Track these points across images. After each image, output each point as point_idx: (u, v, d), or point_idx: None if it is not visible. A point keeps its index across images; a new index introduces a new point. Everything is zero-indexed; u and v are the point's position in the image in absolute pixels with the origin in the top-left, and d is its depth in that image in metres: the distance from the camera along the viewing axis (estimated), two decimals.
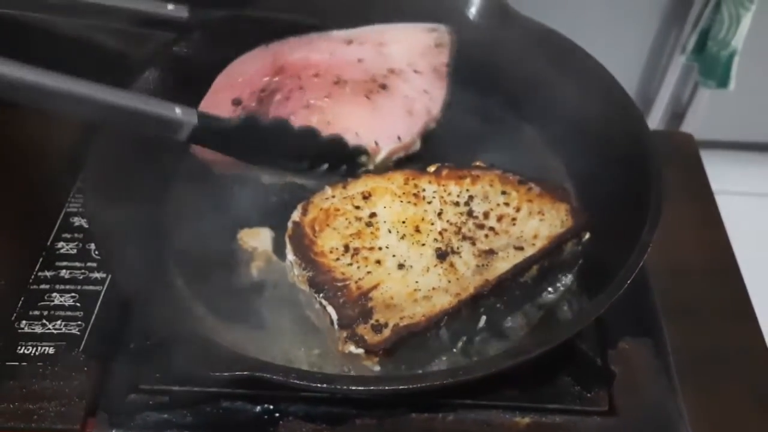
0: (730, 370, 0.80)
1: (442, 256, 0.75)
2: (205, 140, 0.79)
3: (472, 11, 0.99)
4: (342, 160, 0.85)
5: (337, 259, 0.74)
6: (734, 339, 0.83)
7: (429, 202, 0.80)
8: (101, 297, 0.80)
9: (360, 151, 0.85)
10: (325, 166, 0.84)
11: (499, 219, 0.78)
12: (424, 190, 0.81)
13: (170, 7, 0.88)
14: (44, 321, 0.77)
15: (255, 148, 0.81)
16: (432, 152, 0.89)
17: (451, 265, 0.74)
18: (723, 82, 1.77)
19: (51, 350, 0.75)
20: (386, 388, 0.63)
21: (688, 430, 0.71)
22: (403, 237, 0.77)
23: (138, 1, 0.86)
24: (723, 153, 1.95)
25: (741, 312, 0.86)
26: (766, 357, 0.82)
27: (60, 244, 0.85)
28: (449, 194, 0.81)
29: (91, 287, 0.81)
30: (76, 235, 0.86)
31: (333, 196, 0.80)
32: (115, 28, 0.88)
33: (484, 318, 0.74)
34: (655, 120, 1.97)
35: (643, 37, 1.84)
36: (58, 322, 0.77)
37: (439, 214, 0.79)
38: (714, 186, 1.03)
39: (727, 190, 1.23)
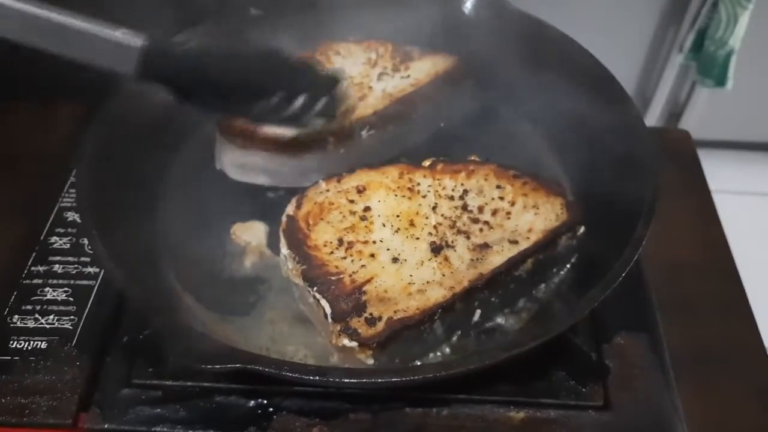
0: (725, 365, 0.80)
1: (436, 249, 0.74)
2: (157, 72, 0.68)
3: (468, 6, 0.99)
4: (319, 91, 0.76)
5: (331, 252, 0.74)
6: (729, 334, 0.83)
7: (424, 196, 0.80)
8: (94, 292, 0.79)
9: (336, 78, 0.78)
10: (300, 99, 0.74)
11: (494, 213, 0.78)
12: (418, 184, 0.81)
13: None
14: (37, 315, 0.77)
15: (214, 79, 0.71)
16: (427, 146, 0.89)
17: (446, 258, 0.74)
18: (720, 81, 1.77)
19: (43, 345, 0.74)
20: (379, 380, 0.63)
21: (683, 424, 0.70)
22: (397, 231, 0.76)
23: None
24: (720, 152, 1.96)
25: (736, 307, 0.86)
26: (761, 352, 0.81)
27: (53, 239, 0.85)
28: (444, 188, 0.81)
29: (84, 282, 0.80)
30: (69, 229, 0.86)
31: (327, 190, 0.80)
32: None
33: (478, 312, 0.73)
34: (652, 119, 1.97)
35: (640, 35, 1.85)
36: (51, 316, 0.77)
37: (434, 208, 0.79)
38: (711, 185, 1.02)
39: (724, 189, 1.23)
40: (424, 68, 0.96)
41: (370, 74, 0.96)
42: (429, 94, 0.94)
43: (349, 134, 0.88)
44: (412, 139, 0.93)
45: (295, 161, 0.86)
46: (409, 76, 0.96)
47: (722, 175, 1.30)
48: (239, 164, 0.87)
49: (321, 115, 0.77)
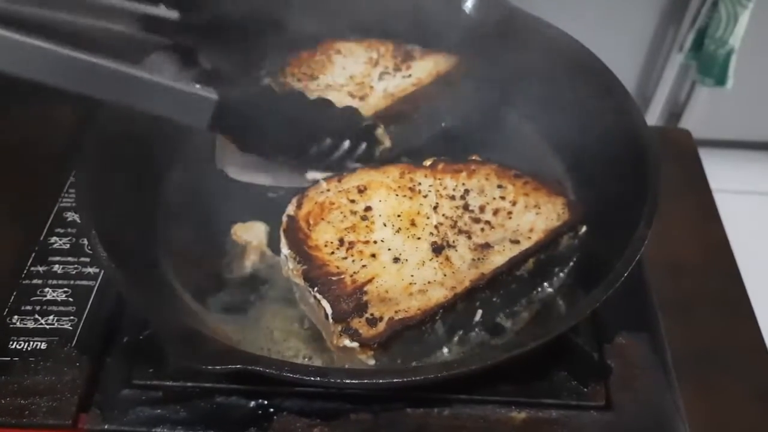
0: (726, 365, 0.80)
1: (437, 249, 0.74)
2: (225, 123, 0.75)
3: (468, 5, 0.99)
4: (360, 137, 0.84)
5: (332, 252, 0.74)
6: (731, 334, 0.83)
7: (425, 196, 0.80)
8: (94, 292, 0.79)
9: (375, 125, 0.85)
10: (347, 143, 0.83)
11: (495, 212, 0.78)
12: (419, 183, 0.81)
13: (161, 7, 0.87)
14: (37, 316, 0.77)
15: (274, 127, 0.79)
16: (428, 146, 0.89)
17: (447, 258, 0.73)
18: (721, 80, 1.77)
19: (43, 345, 0.74)
20: (380, 381, 0.63)
21: (685, 424, 0.70)
22: (398, 231, 0.76)
23: (129, 1, 0.86)
24: (721, 151, 1.95)
25: (738, 307, 0.86)
26: (763, 352, 0.81)
27: (53, 239, 0.85)
28: (445, 188, 0.81)
29: (84, 282, 0.80)
30: (69, 230, 0.86)
31: (328, 190, 0.80)
32: (108, 29, 0.87)
33: (479, 312, 0.73)
34: (653, 118, 1.97)
35: (640, 35, 1.84)
36: (51, 317, 0.77)
37: (435, 208, 0.78)
38: (712, 184, 1.02)
39: (725, 189, 1.22)
40: (426, 67, 0.96)
41: (372, 74, 0.96)
42: (431, 94, 0.93)
43: None
44: (413, 139, 0.92)
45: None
46: (410, 75, 0.95)
47: (723, 175, 1.29)
48: (240, 164, 0.87)
49: (360, 160, 0.85)
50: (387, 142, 0.87)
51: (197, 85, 0.73)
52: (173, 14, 0.88)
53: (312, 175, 0.85)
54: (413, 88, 0.93)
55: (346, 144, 0.83)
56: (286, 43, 0.98)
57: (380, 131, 0.86)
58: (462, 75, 0.96)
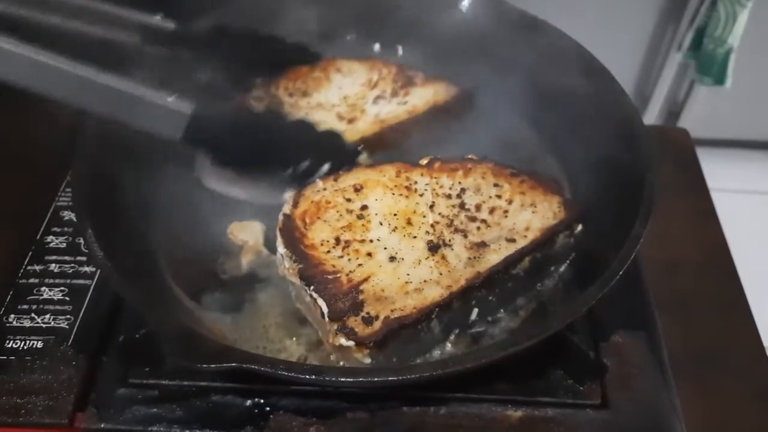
0: (723, 363, 0.80)
1: (433, 248, 0.74)
2: (200, 137, 0.74)
3: (465, 4, 0.99)
4: (342, 161, 0.82)
5: (328, 251, 0.74)
6: (728, 332, 0.83)
7: (421, 195, 0.80)
8: (90, 291, 0.79)
9: (358, 150, 0.84)
10: (326, 166, 0.81)
11: (491, 211, 0.78)
12: (416, 182, 0.81)
13: (158, 17, 0.87)
14: (33, 315, 0.77)
15: (248, 145, 0.78)
16: (424, 144, 0.88)
17: (443, 257, 0.73)
18: (719, 79, 1.77)
19: (39, 344, 0.74)
20: (376, 380, 0.62)
21: (681, 423, 0.70)
22: (394, 229, 0.76)
23: (126, 10, 0.85)
24: (719, 151, 1.95)
25: (735, 306, 0.86)
26: (760, 351, 0.81)
27: (49, 238, 0.85)
28: (441, 187, 0.81)
29: (80, 281, 0.80)
30: (65, 229, 0.86)
31: (324, 189, 0.80)
32: (105, 37, 0.86)
33: (476, 311, 0.73)
34: (651, 117, 1.97)
35: (639, 34, 1.84)
36: (47, 316, 0.77)
37: (431, 207, 0.78)
38: (710, 183, 1.02)
39: (723, 188, 1.23)
40: (424, 96, 0.93)
41: (367, 96, 0.94)
42: (423, 123, 0.92)
43: None
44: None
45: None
46: (406, 102, 0.93)
47: (721, 174, 1.29)
48: (216, 174, 0.84)
49: None
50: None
51: (171, 98, 0.71)
52: (170, 25, 0.87)
53: (290, 194, 0.82)
54: (406, 116, 0.91)
55: (326, 167, 0.82)
56: (287, 58, 0.98)
57: (363, 157, 0.84)
58: (462, 107, 0.94)
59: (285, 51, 0.97)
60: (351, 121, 0.90)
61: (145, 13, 0.87)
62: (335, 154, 0.83)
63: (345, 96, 0.94)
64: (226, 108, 0.79)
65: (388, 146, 0.89)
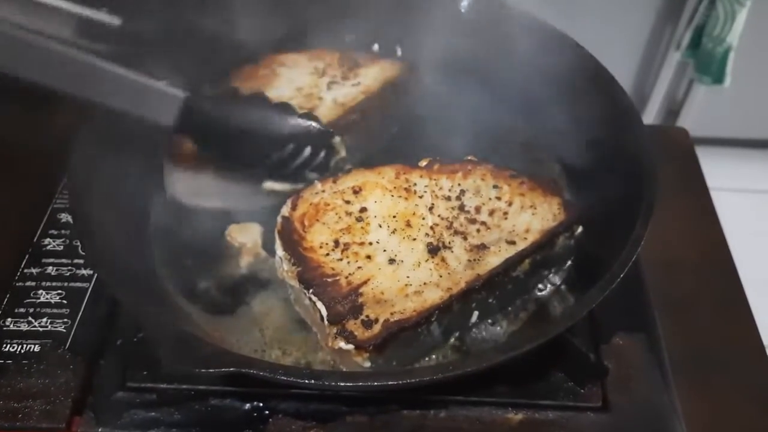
0: (724, 364, 0.80)
1: (433, 250, 0.74)
2: (191, 123, 0.73)
3: (464, 4, 0.98)
4: (320, 144, 0.81)
5: (327, 254, 0.73)
6: (728, 333, 0.83)
7: (420, 197, 0.79)
8: (88, 294, 0.79)
9: (332, 133, 0.83)
10: (308, 150, 0.81)
11: (491, 213, 0.78)
12: (415, 184, 0.80)
13: (103, 12, 0.81)
14: (30, 318, 0.76)
15: (239, 130, 0.77)
16: (424, 146, 0.88)
17: (443, 259, 0.73)
18: (718, 78, 1.77)
19: (37, 348, 0.74)
20: (375, 383, 0.62)
21: (682, 425, 0.70)
22: (393, 232, 0.76)
23: (71, 3, 0.79)
24: (718, 150, 1.95)
25: (735, 306, 0.86)
26: (761, 351, 0.81)
27: (46, 241, 0.84)
28: (441, 188, 0.80)
29: (77, 284, 0.79)
30: (63, 231, 0.85)
31: (323, 191, 0.79)
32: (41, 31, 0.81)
33: (476, 313, 0.73)
34: (650, 116, 1.97)
35: (637, 33, 1.84)
36: (44, 319, 0.76)
37: (431, 209, 0.78)
38: (709, 183, 1.02)
39: (723, 187, 1.22)
40: (373, 74, 0.95)
41: (319, 84, 0.94)
42: (380, 101, 0.93)
43: None
44: (366, 148, 0.91)
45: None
46: (359, 83, 0.94)
47: (720, 173, 1.29)
48: (191, 188, 0.84)
49: (317, 169, 0.83)
50: (342, 152, 0.86)
51: (163, 82, 0.70)
52: (115, 20, 0.82)
53: (270, 185, 0.83)
54: (362, 96, 0.92)
55: (307, 151, 0.81)
56: (240, 55, 0.96)
57: (338, 140, 0.85)
58: (411, 82, 0.96)
59: (223, 50, 0.95)
60: (311, 109, 0.90)
61: (88, 7, 0.81)
62: (315, 135, 0.82)
63: (298, 87, 0.94)
64: (213, 93, 0.78)
65: (353, 128, 0.89)
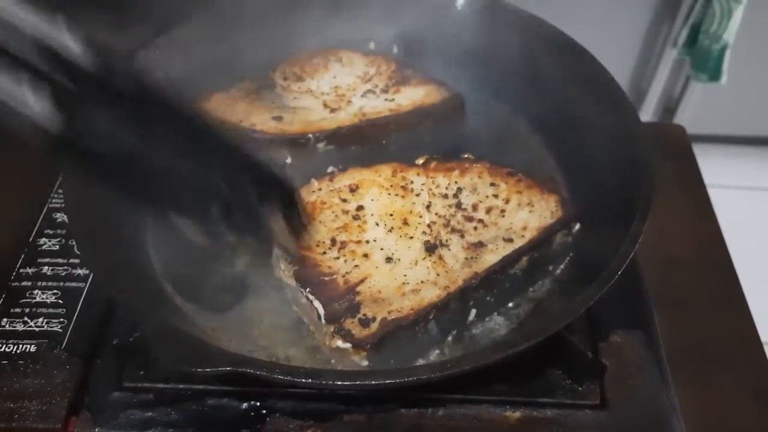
0: (722, 361, 0.80)
1: (430, 248, 0.74)
2: (72, 147, 0.50)
3: (461, 2, 0.98)
4: (273, 188, 0.63)
5: (324, 252, 0.73)
6: (726, 330, 0.83)
7: (417, 195, 0.79)
8: (84, 294, 0.78)
9: (291, 184, 0.67)
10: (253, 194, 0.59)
11: (488, 211, 0.78)
12: (412, 182, 0.80)
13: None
14: (26, 318, 0.76)
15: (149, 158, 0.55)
16: (420, 144, 0.88)
17: (440, 257, 0.73)
18: (715, 75, 1.77)
19: (33, 348, 0.73)
20: (372, 382, 0.62)
21: (681, 422, 0.70)
22: (391, 230, 0.75)
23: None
24: (715, 147, 1.96)
25: (733, 303, 0.86)
26: (758, 348, 0.81)
27: (42, 241, 0.84)
28: (438, 186, 0.80)
29: (73, 284, 0.79)
30: (58, 231, 0.85)
31: (319, 189, 0.79)
32: None
33: (473, 311, 0.73)
34: (647, 114, 1.97)
35: (634, 30, 1.84)
36: (40, 319, 0.76)
37: (428, 207, 0.78)
38: (706, 179, 1.02)
39: (720, 184, 1.23)
40: (413, 96, 0.92)
41: (358, 89, 0.94)
42: (405, 123, 0.90)
43: (302, 143, 0.86)
44: (372, 159, 0.86)
45: None
46: (393, 100, 0.92)
47: (717, 170, 1.29)
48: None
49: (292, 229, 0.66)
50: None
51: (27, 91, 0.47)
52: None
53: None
54: (388, 112, 0.90)
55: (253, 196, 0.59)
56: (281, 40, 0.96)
57: (321, 145, 0.83)
58: (452, 111, 0.93)
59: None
60: (334, 110, 0.90)
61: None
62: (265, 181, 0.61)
63: (336, 86, 0.94)
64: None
65: (363, 141, 0.88)
